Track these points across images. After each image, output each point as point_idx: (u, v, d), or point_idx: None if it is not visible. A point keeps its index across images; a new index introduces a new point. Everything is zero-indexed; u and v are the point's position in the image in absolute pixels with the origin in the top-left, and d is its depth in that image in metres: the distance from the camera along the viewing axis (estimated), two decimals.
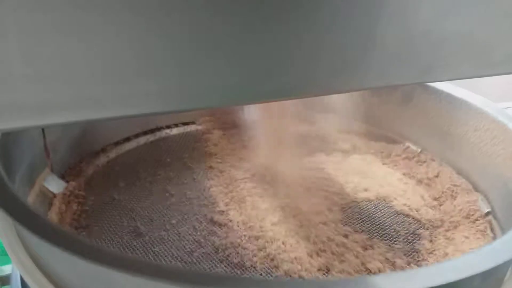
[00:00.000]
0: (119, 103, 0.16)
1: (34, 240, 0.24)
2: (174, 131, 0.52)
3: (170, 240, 0.35)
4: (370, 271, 0.32)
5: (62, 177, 0.40)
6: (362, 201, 0.40)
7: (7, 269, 0.47)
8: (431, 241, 0.36)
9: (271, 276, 0.31)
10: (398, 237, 0.36)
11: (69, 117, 0.15)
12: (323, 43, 0.18)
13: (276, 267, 0.32)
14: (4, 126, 0.15)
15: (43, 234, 0.22)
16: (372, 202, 0.40)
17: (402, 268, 0.32)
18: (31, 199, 0.35)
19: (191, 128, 0.53)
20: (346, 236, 0.35)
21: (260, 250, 0.34)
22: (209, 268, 0.32)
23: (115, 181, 0.43)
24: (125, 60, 0.16)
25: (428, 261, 0.34)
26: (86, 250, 0.21)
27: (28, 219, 0.23)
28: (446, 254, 0.34)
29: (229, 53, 0.17)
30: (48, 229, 0.22)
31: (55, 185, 0.38)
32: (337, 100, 0.48)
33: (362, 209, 0.39)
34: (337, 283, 0.20)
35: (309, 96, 0.21)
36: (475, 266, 0.20)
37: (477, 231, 0.36)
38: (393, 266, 0.32)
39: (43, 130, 0.38)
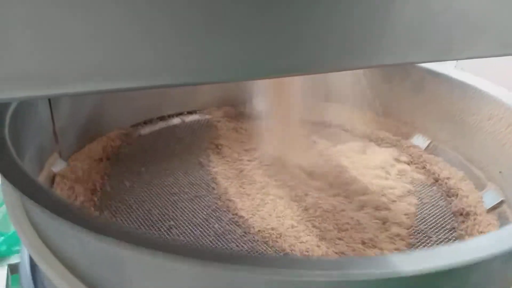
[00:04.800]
0: (124, 75, 0.16)
1: (42, 216, 0.24)
2: (181, 120, 0.52)
3: (176, 226, 0.35)
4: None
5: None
6: (371, 189, 0.40)
7: (16, 257, 0.47)
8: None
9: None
10: (412, 227, 0.36)
11: (73, 88, 0.15)
12: (340, 19, 0.18)
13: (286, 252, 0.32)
14: (8, 96, 0.15)
15: (51, 209, 0.22)
16: (380, 191, 0.40)
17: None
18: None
19: (199, 117, 0.53)
20: (357, 223, 0.35)
21: (268, 236, 0.34)
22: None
23: (122, 169, 0.42)
24: (129, 31, 0.15)
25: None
26: (97, 225, 0.20)
27: (36, 194, 0.23)
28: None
29: (240, 28, 0.16)
30: (57, 203, 0.22)
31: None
32: (348, 89, 0.48)
33: (371, 197, 0.39)
34: (355, 262, 0.19)
35: (321, 72, 0.21)
36: (495, 247, 0.20)
37: (490, 224, 0.36)
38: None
39: (52, 114, 0.38)
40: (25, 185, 0.23)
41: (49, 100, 0.37)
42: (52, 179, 0.37)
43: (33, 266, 0.33)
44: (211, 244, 0.33)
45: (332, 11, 0.18)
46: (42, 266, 0.24)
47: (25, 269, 0.33)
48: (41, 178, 0.35)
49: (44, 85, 0.15)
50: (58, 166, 0.38)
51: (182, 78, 0.17)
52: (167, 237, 0.33)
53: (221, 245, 0.33)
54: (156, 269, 0.21)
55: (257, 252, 0.32)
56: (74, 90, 0.16)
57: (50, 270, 0.24)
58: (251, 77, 0.25)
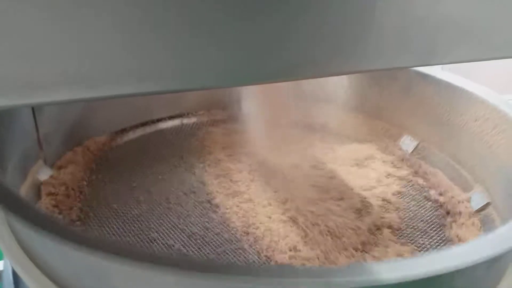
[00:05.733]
0: (106, 83, 0.15)
1: (25, 230, 0.23)
2: (170, 123, 0.52)
3: (165, 232, 0.34)
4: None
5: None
6: (360, 191, 0.40)
7: None
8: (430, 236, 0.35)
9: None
10: (400, 230, 0.36)
11: (53, 96, 0.15)
12: (322, 25, 0.18)
13: (271, 259, 0.32)
14: None
15: (33, 222, 0.21)
16: (370, 192, 0.40)
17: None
18: (23, 190, 0.34)
19: (187, 120, 0.53)
20: (345, 226, 0.35)
21: (255, 242, 0.33)
22: (204, 257, 0.32)
23: (110, 174, 0.42)
24: (111, 38, 0.15)
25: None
26: (78, 238, 0.20)
27: (19, 208, 0.22)
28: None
29: (225, 34, 0.16)
30: (39, 217, 0.22)
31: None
32: (336, 91, 0.48)
33: (359, 200, 0.39)
34: (338, 271, 0.19)
35: (307, 78, 0.21)
36: (478, 253, 0.20)
37: (475, 227, 0.36)
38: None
39: (35, 121, 0.37)
40: (5, 198, 0.23)
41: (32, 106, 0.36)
42: (37, 187, 0.36)
43: (16, 274, 0.32)
44: (197, 249, 0.33)
45: (317, 17, 0.17)
46: (23, 276, 0.24)
47: (8, 277, 0.33)
48: (26, 186, 0.35)
49: (24, 94, 0.15)
50: (43, 173, 0.37)
51: (168, 85, 0.17)
52: (152, 245, 0.33)
53: (208, 250, 0.33)
54: (139, 280, 0.21)
55: (243, 257, 0.32)
56: (49, 99, 0.15)
57: (32, 280, 0.23)
58: (237, 84, 0.25)
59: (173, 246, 0.33)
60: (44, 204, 0.35)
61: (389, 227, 0.36)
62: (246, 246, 0.33)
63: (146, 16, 0.15)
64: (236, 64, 0.17)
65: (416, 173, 0.44)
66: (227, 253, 0.32)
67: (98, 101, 0.45)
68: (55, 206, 0.36)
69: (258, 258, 0.32)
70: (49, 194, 0.36)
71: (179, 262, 0.19)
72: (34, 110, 0.36)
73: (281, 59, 0.18)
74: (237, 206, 0.38)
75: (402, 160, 0.45)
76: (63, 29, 0.14)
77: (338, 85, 0.48)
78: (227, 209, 0.37)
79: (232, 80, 0.18)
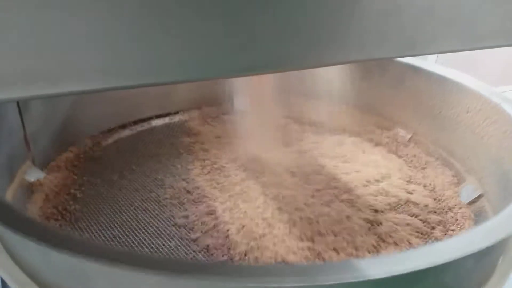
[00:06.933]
0: (72, 78, 0.15)
1: (8, 233, 0.23)
2: (160, 121, 0.51)
3: (155, 231, 0.34)
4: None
5: (44, 169, 0.39)
6: (352, 186, 0.40)
7: None
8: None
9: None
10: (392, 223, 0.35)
11: (16, 93, 0.14)
12: (303, 15, 0.17)
13: (263, 256, 0.31)
14: None
15: (14, 225, 0.21)
16: (361, 187, 0.39)
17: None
18: (11, 192, 0.34)
19: (178, 118, 0.52)
20: (336, 220, 0.35)
21: (245, 239, 0.33)
22: (190, 258, 0.31)
23: (99, 173, 0.42)
24: (75, 32, 0.14)
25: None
26: (58, 239, 0.20)
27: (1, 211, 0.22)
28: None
29: (202, 26, 0.16)
30: (20, 219, 0.21)
31: (37, 178, 0.37)
32: (327, 85, 0.47)
33: (351, 193, 0.38)
34: (324, 268, 0.19)
35: (290, 70, 0.20)
36: (466, 247, 0.19)
37: (467, 219, 0.36)
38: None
39: (22, 120, 0.37)
40: None
41: (18, 104, 0.36)
42: (26, 188, 0.36)
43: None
44: (187, 247, 0.32)
45: (296, 9, 0.17)
46: (6, 278, 0.24)
47: None
48: (13, 187, 0.34)
49: None
50: (31, 174, 0.37)
51: (146, 79, 0.17)
52: (141, 245, 0.33)
53: (197, 248, 0.32)
54: (121, 282, 0.20)
55: (232, 254, 0.32)
56: (10, 95, 0.15)
57: (15, 282, 0.23)
58: (214, 77, 0.24)
59: (163, 246, 0.33)
60: (35, 207, 0.35)
61: (381, 223, 0.35)
62: (237, 244, 0.33)
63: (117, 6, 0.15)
64: (213, 57, 0.17)
65: (408, 165, 0.43)
66: (212, 249, 0.32)
67: (89, 99, 0.44)
68: (46, 208, 0.36)
69: (247, 256, 0.32)
70: (40, 196, 0.36)
71: (161, 263, 0.19)
72: (21, 108, 0.36)
73: (259, 52, 0.17)
74: (229, 202, 0.37)
75: (394, 153, 0.45)
76: (20, 23, 0.14)
77: (329, 80, 0.47)
78: (218, 205, 0.37)
79: (209, 72, 0.18)
